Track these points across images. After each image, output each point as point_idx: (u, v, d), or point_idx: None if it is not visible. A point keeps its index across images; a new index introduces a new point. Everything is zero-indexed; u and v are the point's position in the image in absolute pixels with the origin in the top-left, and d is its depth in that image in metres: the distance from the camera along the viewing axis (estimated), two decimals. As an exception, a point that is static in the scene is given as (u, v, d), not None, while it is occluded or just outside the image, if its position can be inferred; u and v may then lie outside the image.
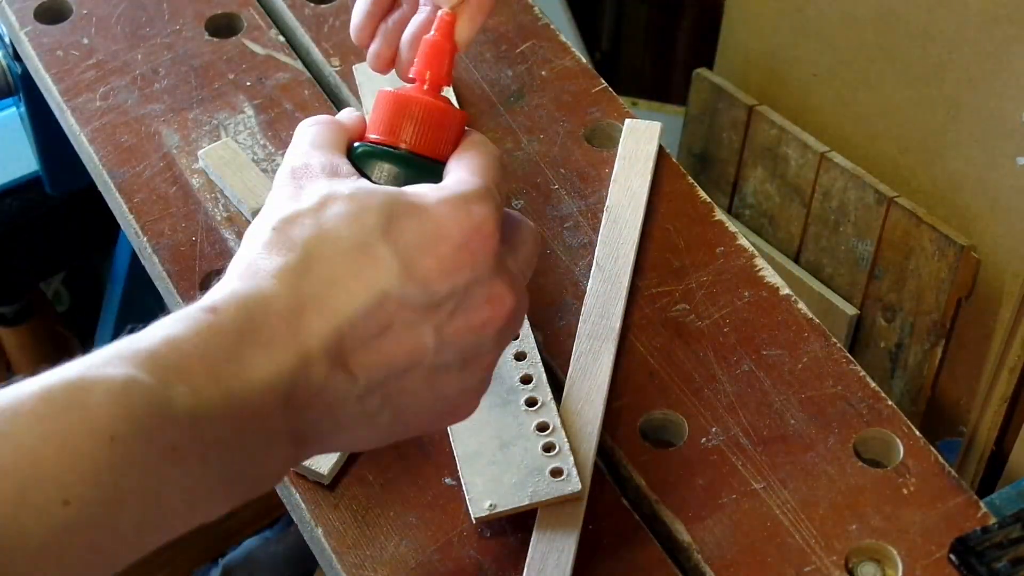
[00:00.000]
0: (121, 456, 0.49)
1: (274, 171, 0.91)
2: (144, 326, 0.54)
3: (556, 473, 0.74)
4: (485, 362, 0.61)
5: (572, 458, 0.75)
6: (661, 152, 0.92)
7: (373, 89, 0.92)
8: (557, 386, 0.81)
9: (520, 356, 0.80)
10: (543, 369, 0.79)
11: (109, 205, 0.93)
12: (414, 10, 0.75)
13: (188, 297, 0.84)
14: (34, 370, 0.51)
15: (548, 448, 0.75)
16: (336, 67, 0.97)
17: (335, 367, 0.55)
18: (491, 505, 0.73)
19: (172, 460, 0.51)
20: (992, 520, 0.74)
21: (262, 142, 0.92)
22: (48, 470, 0.48)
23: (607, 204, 0.88)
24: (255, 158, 0.91)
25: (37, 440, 0.48)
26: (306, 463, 0.77)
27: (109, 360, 0.51)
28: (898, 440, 0.78)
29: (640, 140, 0.92)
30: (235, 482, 0.54)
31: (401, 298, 0.55)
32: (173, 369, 0.52)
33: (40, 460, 0.48)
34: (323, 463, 0.76)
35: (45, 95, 0.98)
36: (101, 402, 0.49)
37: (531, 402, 0.78)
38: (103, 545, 0.50)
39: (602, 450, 0.78)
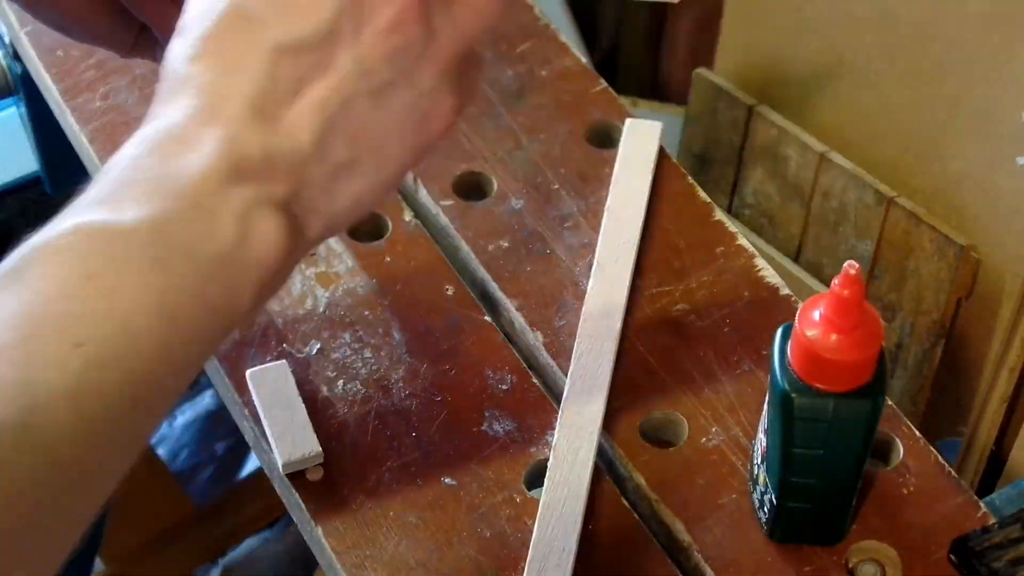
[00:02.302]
0: (107, 287, 0.49)
1: (274, 171, 0.91)
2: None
3: None
4: (434, 60, 0.56)
5: None
6: (661, 152, 0.92)
7: None
8: (557, 386, 0.81)
9: None
10: None
11: (109, 205, 0.92)
12: None
13: (188, 297, 0.84)
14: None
15: None
16: (336, 67, 0.97)
17: (269, 134, 0.53)
18: None
19: (155, 270, 0.50)
20: (992, 520, 0.74)
21: (262, 142, 0.92)
22: (44, 324, 0.48)
23: (607, 204, 0.88)
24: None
25: (20, 307, 0.48)
26: (296, 454, 0.77)
27: (54, 221, 0.51)
28: (898, 440, 0.78)
29: (640, 140, 0.92)
30: (221, 272, 0.52)
31: (293, 46, 0.54)
32: (112, 197, 0.52)
33: (32, 320, 0.48)
34: (308, 447, 0.77)
35: (45, 95, 0.98)
36: (63, 253, 0.49)
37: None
38: (136, 375, 0.49)
39: (602, 450, 0.78)
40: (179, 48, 0.55)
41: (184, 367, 0.52)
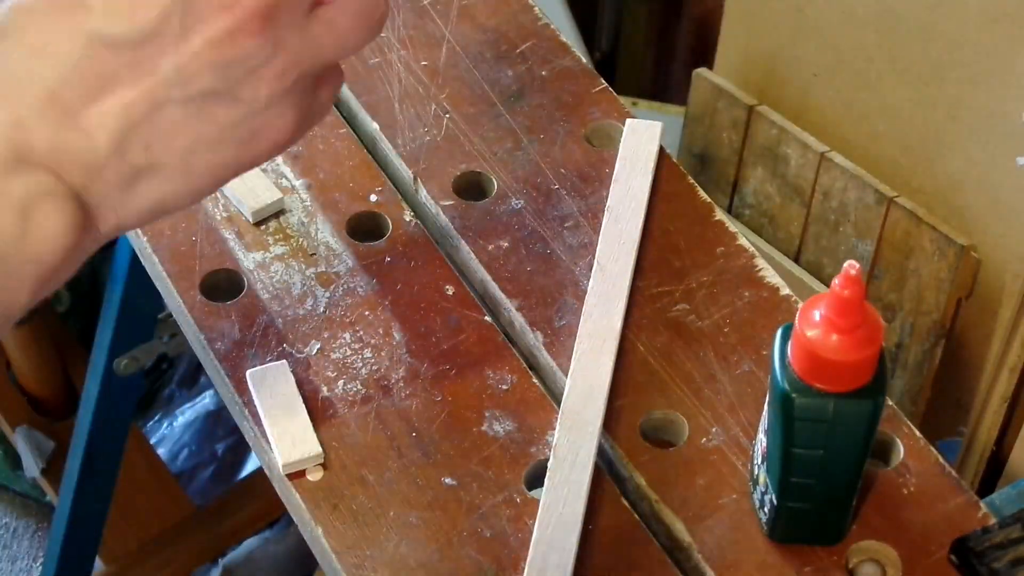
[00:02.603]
0: None
1: (274, 171, 0.91)
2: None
3: None
4: (273, 77, 0.52)
5: None
6: (661, 152, 0.92)
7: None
8: (557, 386, 0.81)
9: None
10: None
11: (109, 205, 0.92)
12: None
13: (188, 297, 0.85)
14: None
15: None
16: (336, 67, 0.97)
17: (62, 127, 0.50)
18: None
19: None
20: (992, 520, 0.74)
21: (262, 142, 0.92)
22: None
23: (608, 204, 0.88)
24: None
25: None
26: (296, 455, 0.77)
27: None
28: (898, 440, 0.78)
29: (641, 140, 0.92)
30: (8, 267, 0.50)
31: (112, 40, 0.50)
32: None
33: None
34: (308, 447, 0.77)
35: (45, 95, 0.98)
36: None
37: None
38: None
39: (602, 450, 0.78)
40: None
41: None
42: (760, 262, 0.86)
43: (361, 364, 0.82)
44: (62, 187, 0.51)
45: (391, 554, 0.74)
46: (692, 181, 0.91)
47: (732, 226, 0.88)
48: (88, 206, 0.52)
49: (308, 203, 0.90)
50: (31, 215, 0.50)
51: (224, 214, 0.89)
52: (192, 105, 0.52)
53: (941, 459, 0.77)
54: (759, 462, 0.73)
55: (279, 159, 0.92)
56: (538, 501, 0.75)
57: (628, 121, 0.93)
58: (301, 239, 0.88)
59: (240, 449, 1.79)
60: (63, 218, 0.51)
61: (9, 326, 0.52)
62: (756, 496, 0.75)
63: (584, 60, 0.98)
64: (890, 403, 0.79)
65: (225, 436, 1.81)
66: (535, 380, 0.81)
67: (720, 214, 0.89)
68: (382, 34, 0.96)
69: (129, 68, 0.51)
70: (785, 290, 0.85)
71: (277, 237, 0.88)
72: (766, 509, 0.73)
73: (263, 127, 0.54)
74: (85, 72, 0.50)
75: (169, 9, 0.50)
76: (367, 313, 0.84)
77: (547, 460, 0.77)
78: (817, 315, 0.66)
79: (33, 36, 0.50)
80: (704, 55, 1.57)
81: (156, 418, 1.85)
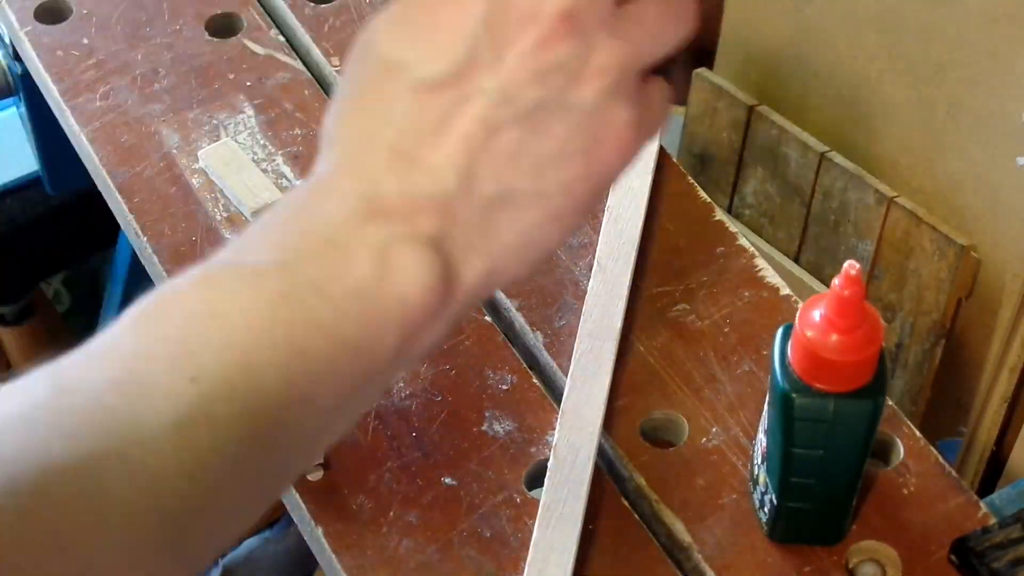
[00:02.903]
0: (226, 324, 0.48)
1: (274, 171, 0.91)
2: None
3: None
4: (595, 75, 0.51)
5: None
6: (661, 152, 0.92)
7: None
8: (557, 386, 0.81)
9: None
10: None
11: (109, 205, 0.92)
12: None
13: (188, 297, 0.84)
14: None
15: None
16: (336, 67, 0.97)
17: (409, 175, 0.51)
18: None
19: (282, 303, 0.49)
20: (992, 520, 0.74)
21: (262, 142, 0.92)
22: (159, 360, 0.47)
23: (607, 204, 0.88)
24: (255, 158, 0.91)
25: (139, 343, 0.48)
26: (306, 463, 0.77)
27: (190, 272, 0.51)
28: (898, 440, 0.78)
29: None
30: (356, 307, 0.50)
31: (432, 82, 0.51)
32: (245, 243, 0.51)
33: (149, 358, 0.47)
34: None
35: (45, 95, 0.98)
36: (187, 293, 0.49)
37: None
38: (254, 411, 0.48)
39: (602, 450, 0.78)
40: (331, 110, 0.53)
41: (319, 407, 0.50)
42: (760, 262, 0.86)
43: (361, 364, 0.82)
44: (419, 233, 0.51)
45: (391, 554, 0.74)
46: (692, 181, 0.91)
47: (732, 226, 0.88)
48: (449, 254, 0.51)
49: (308, 203, 0.90)
50: (390, 259, 0.50)
51: (224, 214, 0.89)
52: (526, 122, 0.51)
53: (941, 459, 0.77)
54: (759, 462, 0.73)
55: (279, 159, 0.92)
56: (538, 501, 0.75)
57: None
58: (301, 239, 0.88)
59: (240, 449, 1.78)
60: (423, 261, 0.50)
61: (379, 380, 0.51)
62: (756, 496, 0.75)
63: (584, 60, 0.98)
64: (890, 403, 0.79)
65: (225, 436, 1.81)
66: (535, 380, 0.81)
67: (720, 214, 0.89)
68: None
69: (456, 103, 0.51)
70: (785, 290, 0.85)
71: (277, 237, 0.88)
72: (766, 509, 0.73)
73: (601, 130, 0.53)
74: (418, 120, 0.51)
75: (476, 35, 0.50)
76: (367, 313, 0.84)
77: (547, 460, 0.77)
78: (817, 315, 0.66)
79: (367, 111, 0.52)
80: (704, 55, 1.57)
81: (156, 418, 1.85)
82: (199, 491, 0.47)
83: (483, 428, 0.79)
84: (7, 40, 1.07)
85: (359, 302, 0.49)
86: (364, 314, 0.49)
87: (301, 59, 0.98)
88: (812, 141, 1.38)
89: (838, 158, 1.36)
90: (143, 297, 0.49)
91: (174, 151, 0.92)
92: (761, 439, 0.72)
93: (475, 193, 0.51)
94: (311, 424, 0.50)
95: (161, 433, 0.45)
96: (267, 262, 0.49)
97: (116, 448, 0.44)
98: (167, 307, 0.49)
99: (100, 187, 0.93)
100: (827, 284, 1.44)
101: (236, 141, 0.92)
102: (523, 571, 0.72)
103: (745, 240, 0.88)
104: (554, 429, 0.78)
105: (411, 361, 0.52)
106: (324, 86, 0.97)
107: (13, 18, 1.00)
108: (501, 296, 0.85)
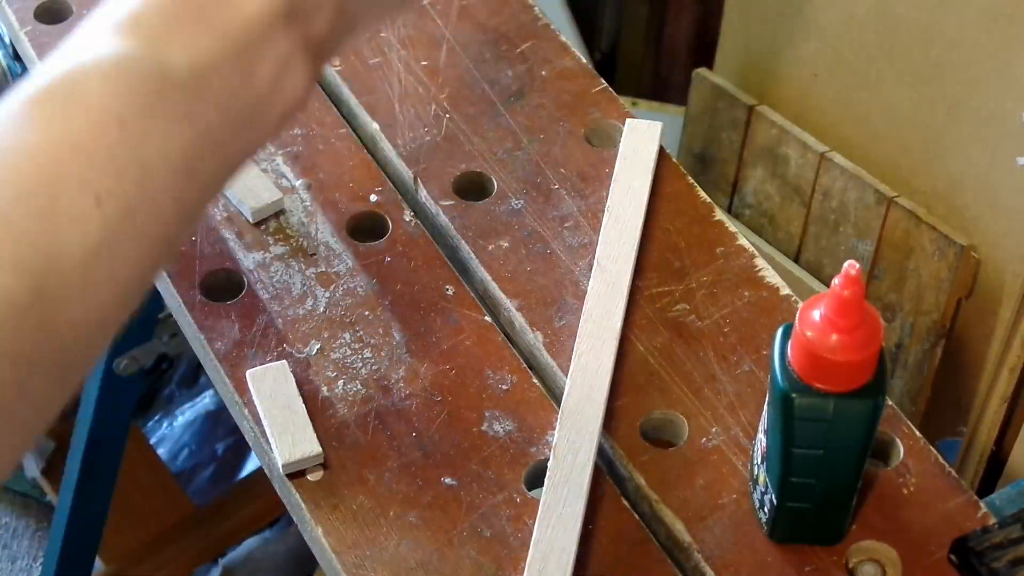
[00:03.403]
0: (135, 136, 0.48)
1: (274, 171, 0.91)
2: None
3: None
4: None
5: None
6: (661, 152, 0.92)
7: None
8: (557, 386, 0.81)
9: None
10: None
11: (109, 205, 0.92)
12: None
13: (188, 297, 0.84)
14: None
15: None
16: (336, 67, 0.97)
17: None
18: None
19: (185, 122, 0.49)
20: (992, 520, 0.74)
21: (262, 142, 0.92)
22: (69, 172, 0.46)
23: (607, 203, 0.88)
24: (255, 158, 0.91)
25: (50, 145, 0.46)
26: (296, 454, 0.77)
27: (95, 36, 0.50)
28: (898, 440, 0.78)
29: (641, 140, 0.92)
30: (249, 123, 0.52)
31: None
32: (162, 29, 0.50)
33: (58, 164, 0.46)
34: (308, 447, 0.77)
35: (45, 95, 0.98)
36: (102, 90, 0.48)
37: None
38: (148, 234, 0.48)
39: (602, 450, 0.78)
40: None
41: (192, 222, 0.51)
42: (760, 262, 0.86)
43: (361, 364, 0.82)
44: (315, 36, 0.53)
45: (391, 554, 0.74)
46: (692, 181, 0.91)
47: (732, 226, 0.88)
48: (322, 55, 0.54)
49: (308, 203, 0.90)
50: (287, 71, 0.52)
51: (224, 214, 0.89)
52: None
53: (941, 459, 0.77)
54: (759, 462, 0.73)
55: (279, 159, 0.92)
56: (538, 501, 0.75)
57: (628, 121, 0.93)
58: (301, 239, 0.88)
59: (240, 449, 1.79)
60: (308, 71, 0.53)
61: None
62: (756, 496, 0.75)
63: (584, 60, 0.98)
64: (890, 403, 0.79)
65: (225, 436, 1.81)
66: (535, 380, 0.81)
67: (720, 214, 0.89)
68: (382, 34, 0.96)
69: None
70: (785, 290, 0.85)
71: (277, 237, 0.88)
72: (766, 509, 0.73)
73: None
74: None
75: None
76: (367, 313, 0.84)
77: (547, 460, 0.77)
78: (817, 315, 0.66)
79: None
80: (704, 55, 1.57)
81: (156, 418, 1.85)
82: (91, 327, 0.47)
83: (483, 428, 0.79)
84: (7, 40, 1.07)
85: (251, 120, 0.51)
86: (252, 131, 0.52)
87: (301, 59, 0.98)
88: (812, 141, 1.38)
89: (838, 158, 1.36)
90: (56, 60, 0.49)
91: (174, 151, 0.92)
92: (761, 439, 0.72)
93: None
94: (184, 239, 0.52)
95: (69, 272, 0.45)
96: (180, 65, 0.49)
97: (28, 285, 0.44)
98: (82, 92, 0.48)
99: (100, 187, 0.93)
100: (827, 284, 1.44)
101: (236, 141, 0.92)
102: (523, 571, 0.72)
103: (745, 240, 0.88)
104: (554, 429, 0.78)
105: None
106: (323, 85, 0.97)
107: (13, 18, 1.00)
108: (501, 296, 0.85)
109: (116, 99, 0.48)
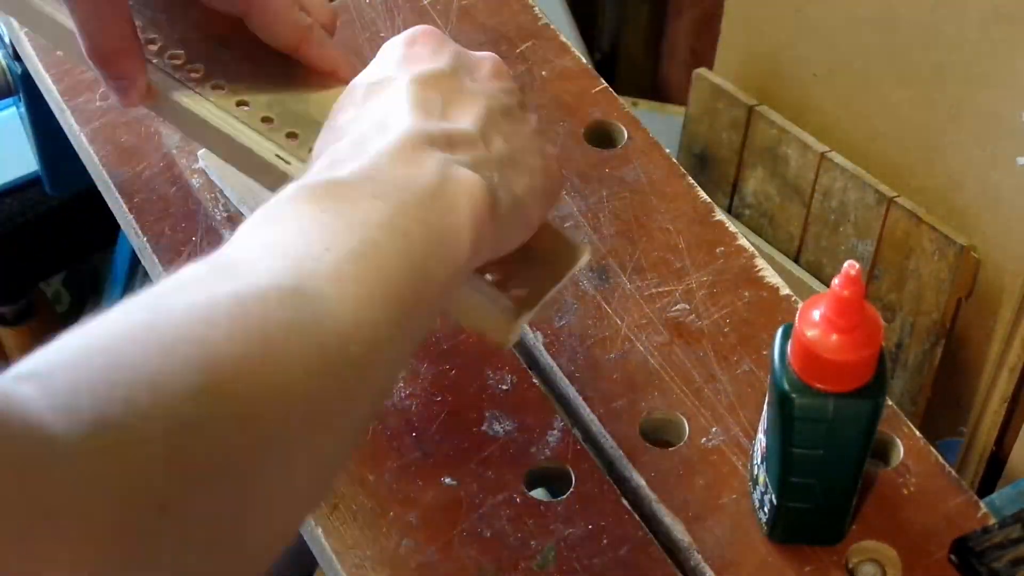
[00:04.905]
0: (337, 213, 0.56)
1: (274, 171, 0.91)
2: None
3: None
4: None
5: None
6: (661, 152, 0.92)
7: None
8: (558, 386, 0.81)
9: None
10: None
11: (109, 205, 0.92)
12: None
13: (188, 297, 0.84)
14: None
15: None
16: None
17: (440, 121, 0.62)
18: None
19: (376, 200, 0.57)
20: (992, 520, 0.74)
21: (262, 142, 0.92)
22: (299, 240, 0.55)
23: (607, 204, 0.88)
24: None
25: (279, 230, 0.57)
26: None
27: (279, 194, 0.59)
28: (898, 440, 0.78)
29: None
30: (443, 203, 0.58)
31: (428, 76, 0.64)
32: (328, 167, 0.60)
33: (285, 241, 0.56)
34: None
35: (45, 95, 0.98)
36: (288, 199, 0.58)
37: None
38: (382, 279, 0.55)
39: (602, 450, 0.78)
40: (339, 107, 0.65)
41: (425, 288, 0.56)
42: (760, 262, 0.86)
43: (361, 364, 0.82)
44: (463, 160, 0.60)
45: (391, 554, 0.74)
46: (691, 181, 0.91)
47: (732, 226, 0.88)
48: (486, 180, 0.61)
49: (308, 203, 0.90)
50: (449, 172, 0.59)
51: (224, 214, 0.89)
52: (507, 115, 0.65)
53: (941, 459, 0.77)
54: (759, 462, 0.73)
55: (279, 159, 0.92)
56: (538, 501, 0.75)
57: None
58: (301, 239, 0.88)
59: (240, 449, 1.78)
60: (475, 176, 0.60)
61: (462, 271, 0.59)
62: (756, 496, 0.75)
63: (584, 60, 0.98)
64: (890, 403, 0.79)
65: (225, 436, 1.81)
66: (535, 380, 0.81)
67: (720, 214, 0.89)
68: (382, 34, 0.96)
69: (450, 90, 0.64)
70: (785, 290, 0.85)
71: (277, 237, 0.88)
72: (766, 509, 0.73)
73: (544, 149, 0.68)
74: (424, 96, 0.63)
75: (452, 59, 0.66)
76: (367, 313, 0.84)
77: (547, 460, 0.76)
78: (817, 315, 0.66)
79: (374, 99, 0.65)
80: (704, 55, 1.57)
81: (156, 418, 1.85)
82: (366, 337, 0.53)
83: (483, 428, 0.79)
84: (7, 40, 1.07)
85: (435, 199, 0.58)
86: (441, 208, 0.58)
87: (301, 59, 0.98)
88: (812, 141, 1.38)
89: (838, 158, 1.36)
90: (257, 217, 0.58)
91: (174, 151, 0.92)
92: (761, 439, 0.72)
93: (491, 144, 0.62)
94: (430, 308, 0.58)
95: (321, 285, 0.53)
96: (349, 172, 0.58)
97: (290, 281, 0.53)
98: (276, 213, 0.57)
99: (100, 187, 0.93)
100: (827, 284, 1.45)
101: (236, 141, 0.92)
102: (523, 571, 0.72)
103: (745, 240, 0.87)
104: (554, 429, 0.78)
105: (481, 258, 0.61)
106: (324, 86, 0.97)
107: (13, 18, 1.00)
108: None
109: (308, 200, 0.57)
